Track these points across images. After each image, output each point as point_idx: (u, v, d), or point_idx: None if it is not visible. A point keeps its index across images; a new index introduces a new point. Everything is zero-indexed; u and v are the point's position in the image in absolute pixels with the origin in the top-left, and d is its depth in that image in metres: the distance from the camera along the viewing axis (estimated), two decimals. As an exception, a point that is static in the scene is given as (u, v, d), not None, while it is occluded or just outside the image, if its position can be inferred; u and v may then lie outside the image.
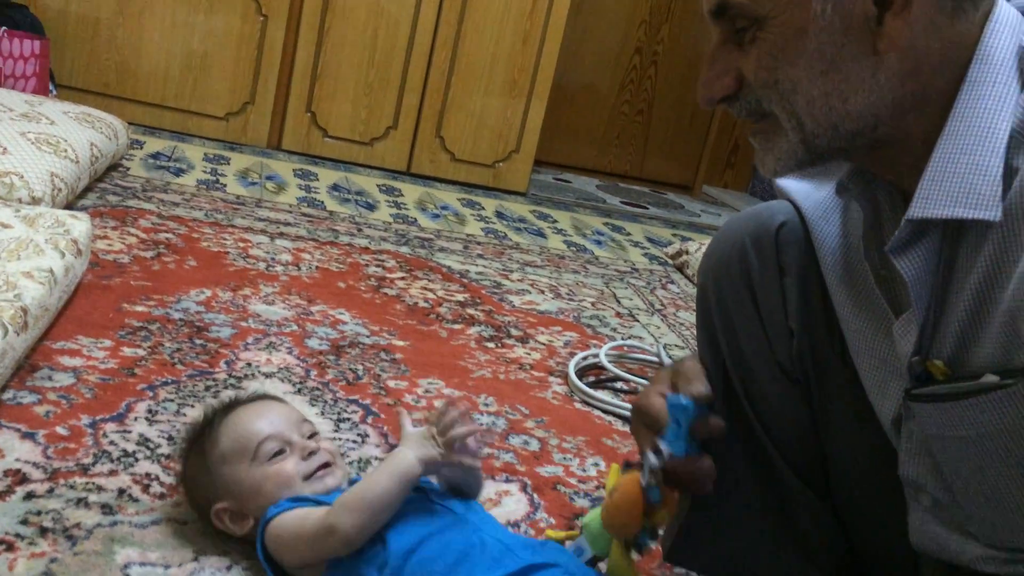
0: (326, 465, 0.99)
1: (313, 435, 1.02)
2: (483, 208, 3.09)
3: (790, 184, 0.85)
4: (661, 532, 0.93)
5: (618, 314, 2.17)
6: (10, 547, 0.93)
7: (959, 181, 0.65)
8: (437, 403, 1.07)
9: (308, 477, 0.97)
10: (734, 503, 0.92)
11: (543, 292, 2.24)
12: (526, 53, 3.32)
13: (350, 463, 1.22)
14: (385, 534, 0.90)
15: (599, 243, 2.94)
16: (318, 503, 0.94)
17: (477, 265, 2.35)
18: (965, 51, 0.68)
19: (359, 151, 3.29)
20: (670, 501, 0.86)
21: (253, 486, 0.96)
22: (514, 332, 1.90)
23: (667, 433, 0.82)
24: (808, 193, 0.83)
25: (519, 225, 2.96)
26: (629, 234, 3.18)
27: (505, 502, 1.22)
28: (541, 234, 2.91)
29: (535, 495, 1.25)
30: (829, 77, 0.68)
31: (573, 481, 1.32)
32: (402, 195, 3.01)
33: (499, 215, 3.04)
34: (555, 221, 3.15)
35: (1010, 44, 0.67)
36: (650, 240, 3.16)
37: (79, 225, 1.57)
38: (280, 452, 0.98)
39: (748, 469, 0.92)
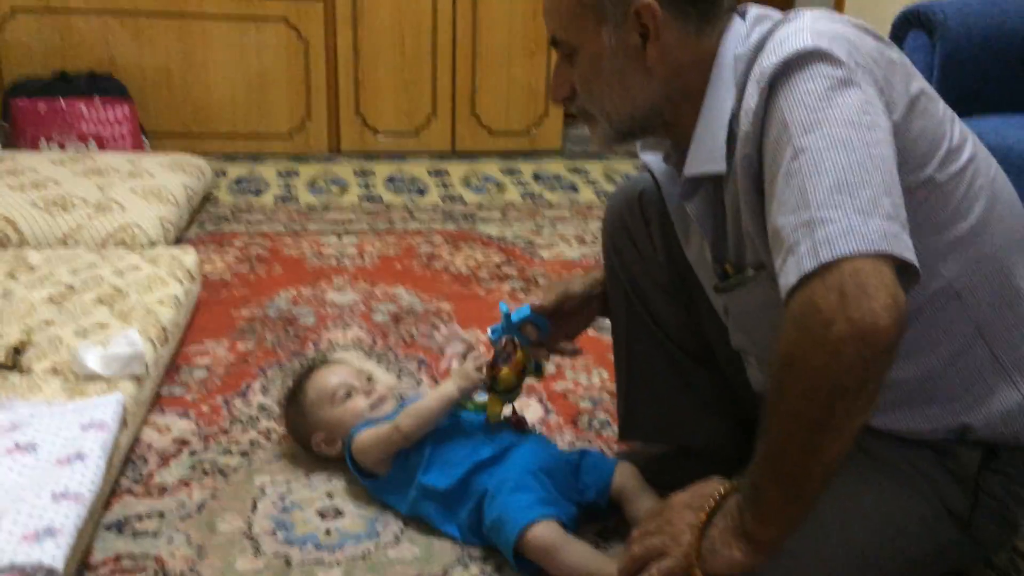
0: (381, 398, 1.43)
1: (369, 379, 1.47)
2: (522, 173, 3.47)
3: (648, 157, 1.21)
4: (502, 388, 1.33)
5: (634, 249, 2.54)
6: (187, 484, 1.41)
7: (704, 148, 1.01)
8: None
9: (372, 407, 1.42)
10: (653, 384, 1.33)
11: (569, 242, 2.63)
12: (537, 23, 3.64)
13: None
14: (426, 440, 1.33)
15: (626, 186, 3.29)
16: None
17: (513, 228, 2.75)
18: (709, 59, 1.03)
19: (408, 141, 3.72)
20: (515, 364, 1.29)
21: (336, 419, 1.41)
22: (541, 281, 2.31)
23: (495, 326, 1.29)
24: (658, 163, 1.20)
25: (554, 183, 3.34)
26: (656, 171, 3.50)
27: (529, 410, 1.64)
28: (574, 188, 3.28)
29: (548, 403, 1.67)
30: (621, 85, 1.05)
31: (580, 390, 1.73)
32: (449, 175, 3.42)
33: (536, 177, 3.42)
34: (588, 173, 3.51)
35: (731, 53, 1.01)
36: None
37: (188, 257, 2.06)
38: (348, 395, 1.42)
39: (657, 359, 1.31)
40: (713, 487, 1.00)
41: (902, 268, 0.83)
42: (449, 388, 1.33)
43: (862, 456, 0.98)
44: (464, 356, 1.36)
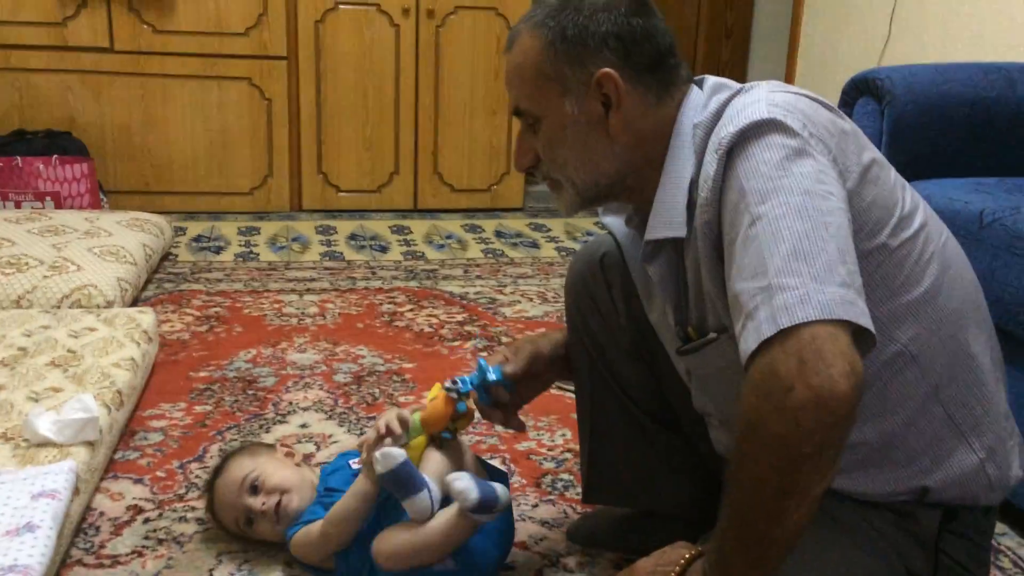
0: (278, 504, 1.32)
1: (255, 485, 1.33)
2: (483, 230, 3.50)
3: (610, 220, 1.23)
4: (458, 435, 1.30)
5: (596, 307, 2.56)
6: (140, 554, 1.37)
7: (665, 213, 1.03)
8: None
9: (278, 523, 1.33)
10: (617, 446, 1.32)
11: (532, 300, 2.64)
12: (499, 82, 3.72)
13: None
14: (363, 534, 1.27)
15: (588, 243, 3.32)
16: (315, 513, 1.31)
17: (475, 286, 2.76)
18: (669, 126, 1.05)
19: (370, 199, 3.73)
20: (468, 416, 1.26)
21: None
22: (504, 339, 2.31)
23: (470, 376, 1.26)
24: (620, 226, 1.22)
25: (515, 240, 3.36)
26: (617, 229, 3.55)
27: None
28: (535, 245, 3.31)
29: (512, 465, 1.66)
30: (585, 153, 1.06)
31: (543, 450, 1.72)
32: (411, 232, 3.43)
33: (498, 234, 3.44)
34: (549, 230, 3.54)
35: (689, 121, 1.04)
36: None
37: (146, 319, 2.03)
38: (249, 520, 1.34)
39: (620, 421, 1.31)
40: (678, 552, 1.00)
41: (858, 333, 0.85)
42: (364, 485, 1.27)
43: (824, 518, 0.99)
44: (376, 441, 1.27)
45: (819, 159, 0.91)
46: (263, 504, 1.32)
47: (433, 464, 1.25)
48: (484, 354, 1.32)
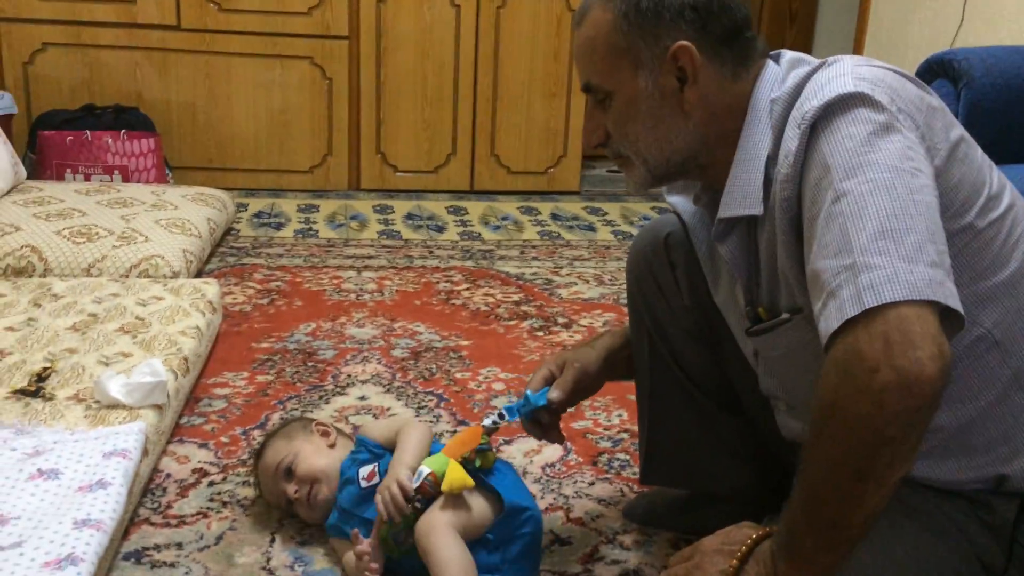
0: (309, 493, 1.32)
1: (289, 470, 1.33)
2: (539, 212, 3.49)
3: (675, 200, 1.21)
4: (478, 463, 1.23)
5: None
6: (205, 515, 1.40)
7: (740, 191, 1.01)
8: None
9: (311, 510, 1.33)
10: (676, 428, 1.31)
11: (588, 282, 2.63)
12: (559, 65, 3.70)
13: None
14: None
15: (644, 228, 3.30)
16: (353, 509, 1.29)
17: (531, 267, 2.76)
18: (744, 102, 1.03)
19: (427, 179, 3.75)
20: (492, 455, 1.25)
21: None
22: (560, 320, 2.30)
23: (514, 405, 1.25)
24: (686, 205, 1.20)
25: (572, 223, 3.35)
26: (674, 214, 3.52)
27: (545, 451, 1.62)
28: (592, 228, 3.29)
29: (568, 443, 1.66)
30: (658, 129, 1.05)
31: (599, 430, 1.72)
32: (467, 213, 3.44)
33: (554, 217, 3.43)
34: (605, 214, 3.52)
35: (766, 97, 1.02)
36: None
37: (210, 289, 2.06)
38: (289, 502, 1.35)
39: (680, 403, 1.30)
40: (744, 532, 0.99)
41: (945, 316, 0.82)
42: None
43: (896, 504, 0.96)
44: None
45: (907, 135, 0.89)
46: (295, 492, 1.33)
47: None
48: (530, 377, 1.32)
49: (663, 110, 1.04)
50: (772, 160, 0.99)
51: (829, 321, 0.84)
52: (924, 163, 0.88)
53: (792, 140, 0.94)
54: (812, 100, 0.92)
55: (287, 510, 1.38)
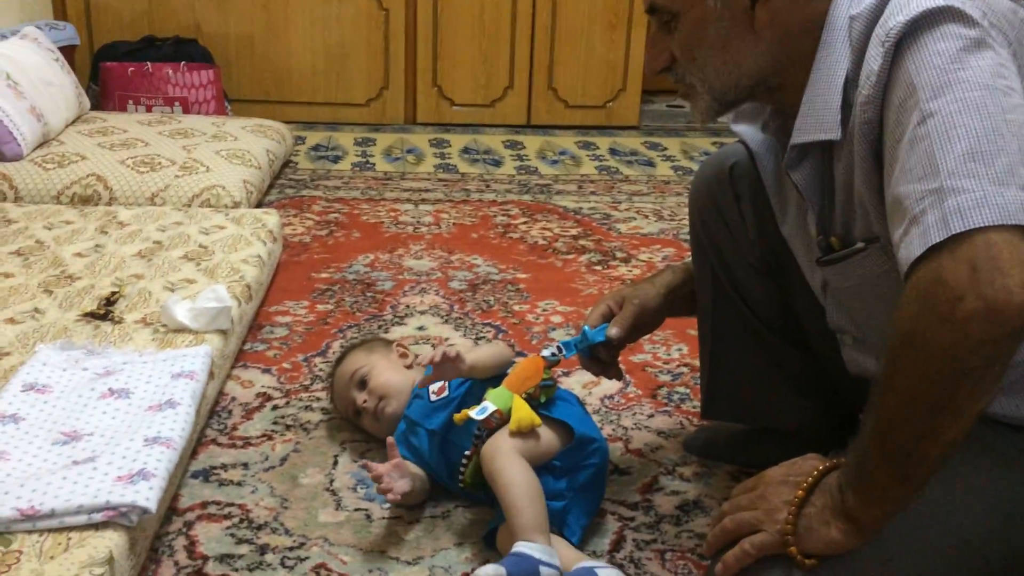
0: (376, 405, 1.35)
1: (363, 380, 1.37)
2: (597, 147, 3.43)
3: (741, 128, 1.17)
4: (543, 399, 1.23)
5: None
6: (269, 438, 1.43)
7: (815, 115, 0.97)
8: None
9: (377, 422, 1.35)
10: (739, 363, 1.29)
11: (647, 217, 2.59)
12: (620, -3, 3.60)
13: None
14: None
15: (705, 164, 3.23)
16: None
17: (589, 201, 2.72)
18: (819, 19, 0.98)
19: (483, 113, 3.71)
20: (554, 388, 1.24)
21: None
22: (619, 255, 2.28)
23: (572, 340, 1.24)
24: (753, 134, 1.16)
25: (630, 158, 3.29)
26: (736, 150, 3.43)
27: (604, 383, 1.62)
28: (651, 163, 3.23)
29: (627, 376, 1.65)
30: (726, 51, 1.00)
31: (659, 363, 1.70)
32: (524, 147, 3.40)
33: (612, 152, 3.38)
34: (665, 149, 3.45)
35: (844, 14, 0.97)
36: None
37: (271, 219, 2.08)
38: (357, 412, 1.38)
39: (744, 338, 1.27)
40: (810, 464, 0.97)
41: None
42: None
43: (969, 440, 0.94)
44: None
45: (999, 51, 0.84)
46: (364, 402, 1.36)
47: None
48: (588, 310, 1.30)
49: (733, 30, 0.99)
50: (851, 82, 0.94)
51: (911, 248, 0.80)
52: (1017, 81, 0.83)
53: (875, 59, 0.89)
54: (897, 16, 0.87)
55: (353, 420, 1.41)
